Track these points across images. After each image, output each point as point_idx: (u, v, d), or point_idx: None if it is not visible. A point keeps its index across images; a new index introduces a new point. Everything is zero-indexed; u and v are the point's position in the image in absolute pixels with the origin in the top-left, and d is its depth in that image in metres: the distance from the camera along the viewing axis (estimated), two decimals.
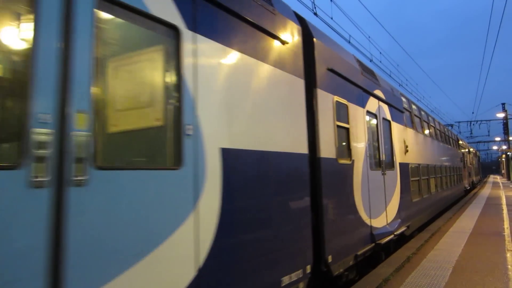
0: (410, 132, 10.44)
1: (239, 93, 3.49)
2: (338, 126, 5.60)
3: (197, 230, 2.80)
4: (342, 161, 5.60)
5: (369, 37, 16.36)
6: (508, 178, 50.54)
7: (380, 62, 19.14)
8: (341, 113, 5.85)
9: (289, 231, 4.08)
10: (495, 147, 73.12)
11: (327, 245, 4.85)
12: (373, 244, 6.49)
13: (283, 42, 4.31)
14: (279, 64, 4.20)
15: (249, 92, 3.64)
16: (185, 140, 2.78)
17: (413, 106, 11.94)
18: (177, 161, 2.74)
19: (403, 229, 8.28)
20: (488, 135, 52.39)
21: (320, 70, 5.21)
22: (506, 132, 44.23)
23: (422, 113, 13.36)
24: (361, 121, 6.57)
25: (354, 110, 6.31)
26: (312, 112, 4.99)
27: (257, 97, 3.77)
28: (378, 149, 7.49)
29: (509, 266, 6.49)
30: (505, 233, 9.69)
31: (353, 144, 6.07)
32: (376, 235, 6.65)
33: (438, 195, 13.73)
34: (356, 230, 5.91)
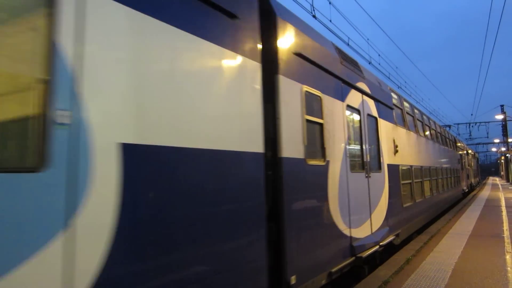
0: (401, 131, 9.55)
1: (157, 72, 2.67)
2: (308, 121, 4.75)
3: (71, 257, 1.98)
4: (313, 162, 4.75)
5: (368, 39, 16.30)
6: (507, 180, 50.31)
7: (379, 64, 19.19)
8: (313, 106, 4.99)
9: (230, 251, 3.21)
10: (494, 149, 72.95)
11: (290, 263, 3.99)
12: (353, 258, 5.63)
13: (230, 15, 3.49)
14: (223, 41, 3.38)
15: (174, 71, 2.82)
16: (55, 131, 1.96)
17: (405, 103, 11.03)
18: (39, 161, 1.92)
19: (391, 238, 7.40)
20: (487, 137, 52.32)
21: (285, 54, 4.38)
22: (505, 134, 44.08)
23: (416, 111, 12.42)
24: (339, 116, 5.70)
25: (330, 103, 5.44)
26: (273, 103, 4.14)
27: (187, 79, 2.93)
28: (361, 148, 6.62)
29: (509, 268, 6.47)
30: (504, 235, 9.62)
31: (329, 142, 5.20)
32: (357, 247, 5.78)
33: (433, 199, 12.76)
34: (330, 243, 5.05)
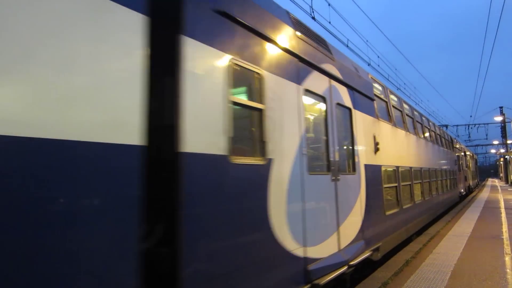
0: (384, 126, 8.18)
1: None
2: (237, 104, 3.52)
3: None
4: (243, 161, 3.50)
5: (367, 41, 16.42)
6: (506, 182, 50.32)
7: (378, 66, 19.19)
8: (248, 85, 3.82)
9: None
10: (493, 151, 73.22)
11: None
12: (308, 286, 4.36)
13: None
14: None
15: None
16: None
17: (392, 96, 9.68)
18: None
19: (367, 254, 6.08)
20: (486, 139, 52.47)
21: (197, 9, 3.16)
22: (504, 135, 44.25)
23: (405, 106, 11.07)
24: (292, 103, 4.45)
25: (278, 85, 4.19)
26: (172, 75, 2.91)
27: None
28: (327, 145, 5.32)
29: (508, 270, 6.44)
30: (504, 237, 9.55)
31: (273, 135, 3.96)
32: (315, 270, 4.49)
33: (424, 204, 11.39)
34: (268, 270, 3.77)
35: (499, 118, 42.61)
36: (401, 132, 9.77)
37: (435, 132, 15.48)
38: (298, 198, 4.34)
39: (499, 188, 38.97)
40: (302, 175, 4.45)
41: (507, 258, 7.26)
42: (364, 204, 6.32)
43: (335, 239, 5.19)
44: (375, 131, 7.44)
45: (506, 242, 8.87)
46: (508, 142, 44.91)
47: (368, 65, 16.23)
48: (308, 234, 4.44)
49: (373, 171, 6.98)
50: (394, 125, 9.14)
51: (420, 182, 11.13)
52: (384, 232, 7.27)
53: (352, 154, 6.21)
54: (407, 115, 10.90)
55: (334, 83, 5.74)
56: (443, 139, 17.46)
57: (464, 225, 11.71)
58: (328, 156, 5.30)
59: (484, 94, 41.65)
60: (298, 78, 4.68)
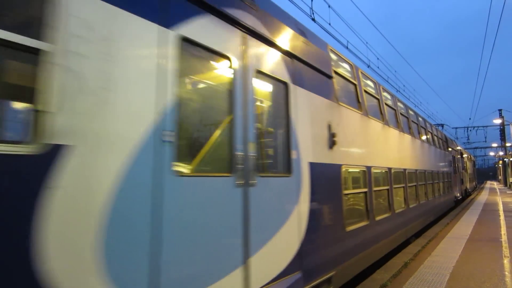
0: (348, 114, 6.33)
1: None
2: None
3: None
4: None
5: (367, 43, 16.55)
6: (505, 184, 50.39)
7: (378, 67, 19.14)
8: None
9: None
10: (492, 153, 73.33)
11: None
12: None
13: None
14: None
15: None
16: None
17: (367, 81, 7.80)
18: None
19: None
20: (485, 141, 52.72)
21: None
22: (503, 138, 44.58)
23: (385, 94, 9.13)
24: (140, 52, 2.65)
25: (99, 15, 2.38)
26: None
27: None
28: (230, 130, 3.50)
29: (506, 273, 6.43)
30: (502, 239, 9.49)
31: (74, 100, 2.17)
32: None
33: (407, 214, 9.37)
34: None
35: (498, 121, 42.92)
36: (376, 125, 7.82)
37: (425, 129, 13.64)
38: (141, 217, 2.52)
39: (497, 190, 39.26)
40: (158, 177, 2.65)
41: (505, 261, 7.25)
42: (305, 219, 4.52)
43: (239, 278, 3.33)
44: (332, 118, 5.59)
45: (504, 244, 8.81)
46: (507, 144, 45.24)
47: (368, 66, 16.30)
48: (166, 277, 2.62)
49: (325, 172, 5.17)
50: (366, 114, 7.22)
51: (403, 187, 9.26)
52: (342, 255, 5.41)
53: (286, 147, 4.37)
54: (387, 105, 8.99)
55: (254, 41, 3.96)
56: (435, 138, 15.68)
57: (462, 228, 11.69)
58: (231, 147, 3.46)
59: (483, 96, 41.82)
60: (165, 17, 2.90)
